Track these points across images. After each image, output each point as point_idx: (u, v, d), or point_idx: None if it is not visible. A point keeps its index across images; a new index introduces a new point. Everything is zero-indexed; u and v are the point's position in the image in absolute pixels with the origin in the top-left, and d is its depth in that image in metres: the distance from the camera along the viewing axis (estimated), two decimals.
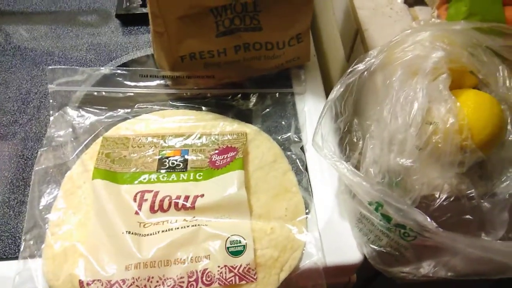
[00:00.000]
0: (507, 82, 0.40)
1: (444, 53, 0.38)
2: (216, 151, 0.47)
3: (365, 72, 0.43)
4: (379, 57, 0.40)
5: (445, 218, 0.40)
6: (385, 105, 0.40)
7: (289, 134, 0.50)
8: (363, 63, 0.40)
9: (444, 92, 0.38)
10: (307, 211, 0.44)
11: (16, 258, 0.41)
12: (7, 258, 0.41)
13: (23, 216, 0.44)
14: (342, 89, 0.41)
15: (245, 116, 0.52)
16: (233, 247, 0.40)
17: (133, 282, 0.38)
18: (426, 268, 0.38)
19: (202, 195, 0.43)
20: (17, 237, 0.43)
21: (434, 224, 0.35)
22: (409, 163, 0.38)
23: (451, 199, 0.40)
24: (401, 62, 0.40)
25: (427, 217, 0.35)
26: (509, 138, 0.40)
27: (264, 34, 0.49)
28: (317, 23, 0.74)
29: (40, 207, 0.43)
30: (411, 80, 0.39)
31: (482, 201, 0.40)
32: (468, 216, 0.41)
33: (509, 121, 0.40)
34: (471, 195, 0.40)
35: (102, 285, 0.38)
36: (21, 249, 0.41)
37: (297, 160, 0.48)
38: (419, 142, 0.38)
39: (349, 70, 0.40)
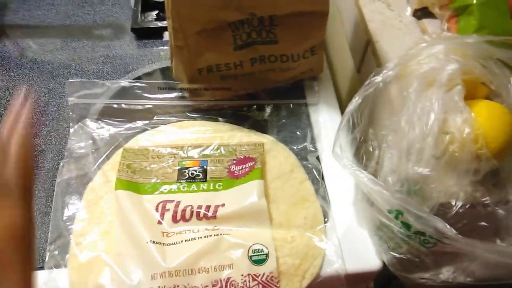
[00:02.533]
0: None
1: (458, 65, 0.39)
2: (234, 161, 0.49)
3: (380, 84, 0.45)
4: (395, 69, 0.41)
5: (461, 225, 0.41)
6: (402, 116, 0.41)
7: (305, 144, 0.51)
8: (381, 75, 0.41)
9: (460, 103, 0.39)
10: (325, 219, 0.45)
11: (42, 268, 0.41)
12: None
13: (45, 227, 0.44)
14: (360, 101, 0.42)
15: (261, 127, 0.53)
16: (255, 255, 0.41)
17: None
18: (446, 274, 0.39)
19: (223, 205, 0.44)
20: (40, 248, 0.43)
21: (454, 231, 0.36)
22: (427, 172, 0.39)
23: (467, 206, 0.41)
24: (417, 74, 0.41)
25: (447, 224, 0.37)
26: None
27: (279, 47, 0.50)
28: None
29: (64, 218, 0.44)
30: (426, 92, 0.41)
31: (496, 208, 0.41)
32: (483, 223, 0.42)
33: None
34: (486, 202, 0.41)
35: None
36: (46, 259, 0.42)
37: (314, 170, 0.49)
38: (436, 151, 0.40)
39: (367, 82, 0.42)
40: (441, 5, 0.51)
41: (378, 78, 0.41)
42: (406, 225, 0.38)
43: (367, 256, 0.42)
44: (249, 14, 0.47)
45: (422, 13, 0.58)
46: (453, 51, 0.41)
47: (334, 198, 0.47)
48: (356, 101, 0.42)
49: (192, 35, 0.47)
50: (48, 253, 0.42)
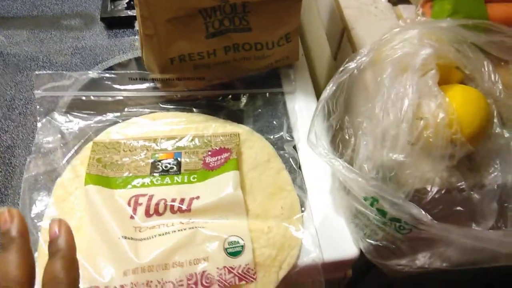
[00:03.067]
0: (492, 76, 0.42)
1: (432, 50, 0.39)
2: (209, 153, 0.47)
3: (355, 70, 0.44)
4: (369, 55, 0.41)
5: (437, 211, 0.41)
6: (376, 102, 0.40)
7: (281, 133, 0.50)
8: (354, 61, 0.41)
9: (434, 87, 0.39)
10: (302, 209, 0.44)
11: None
12: None
13: None
14: (334, 88, 0.41)
15: (236, 117, 0.52)
16: (231, 248, 0.40)
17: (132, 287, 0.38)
18: (422, 259, 0.39)
19: (198, 197, 0.43)
20: None
21: (429, 216, 0.36)
22: (402, 158, 0.39)
23: (442, 192, 0.41)
24: (391, 59, 0.40)
25: (422, 210, 0.36)
26: (495, 131, 0.42)
27: (253, 34, 0.49)
28: (301, 23, 0.75)
29: (32, 215, 0.42)
30: (401, 77, 0.40)
31: (472, 192, 0.41)
32: (459, 208, 0.42)
33: (495, 114, 0.42)
34: (461, 187, 0.41)
35: None
36: None
37: (290, 159, 0.48)
38: (410, 137, 0.39)
39: (341, 69, 0.41)
40: None
41: (352, 65, 0.41)
42: (382, 212, 0.38)
43: (344, 244, 0.42)
44: (221, 0, 0.46)
45: None
46: (427, 36, 0.41)
47: (311, 187, 0.46)
48: (330, 88, 0.41)
49: (162, 23, 0.45)
50: None
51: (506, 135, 0.42)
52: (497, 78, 0.42)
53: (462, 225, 0.40)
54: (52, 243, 0.28)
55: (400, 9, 0.57)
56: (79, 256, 0.39)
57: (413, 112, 0.39)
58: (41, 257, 0.40)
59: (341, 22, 0.56)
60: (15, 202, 0.44)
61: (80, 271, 0.38)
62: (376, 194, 0.37)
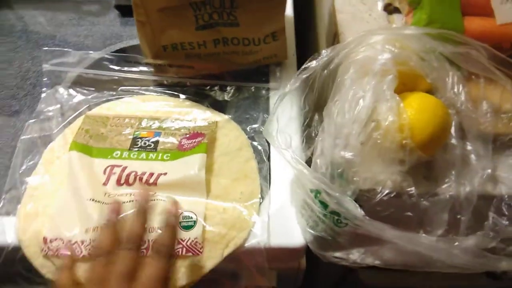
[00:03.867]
0: (455, 87, 0.42)
1: (391, 55, 0.40)
2: (186, 136, 0.51)
3: (325, 71, 0.46)
4: (332, 56, 0.43)
5: (388, 213, 0.43)
6: (334, 101, 0.42)
7: (257, 125, 0.52)
8: (316, 61, 0.43)
9: (387, 91, 0.40)
10: (261, 197, 0.47)
11: None
12: None
13: (5, 178, 0.48)
14: (297, 84, 0.44)
15: (220, 106, 0.55)
16: (184, 221, 0.44)
17: (90, 243, 0.42)
18: (356, 254, 0.40)
19: (165, 174, 0.47)
20: None
21: (362, 212, 0.37)
22: (350, 156, 0.40)
23: (392, 195, 0.42)
24: (353, 61, 0.42)
25: (357, 206, 0.38)
26: (453, 142, 0.42)
27: (241, 30, 0.52)
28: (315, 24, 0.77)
29: (21, 171, 0.48)
30: (361, 80, 0.42)
31: (422, 199, 0.42)
32: (409, 213, 0.43)
33: (453, 124, 0.42)
34: (411, 192, 0.42)
35: (63, 243, 0.42)
36: None
37: (262, 150, 0.51)
38: (362, 138, 0.41)
39: (303, 67, 0.43)
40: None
41: (314, 64, 0.43)
42: (324, 204, 0.40)
43: (292, 233, 0.44)
44: None
45: (394, 7, 0.58)
46: (391, 42, 0.42)
47: (276, 178, 0.49)
48: (291, 84, 0.43)
49: (154, 11, 0.49)
50: (1, 202, 0.46)
51: (465, 146, 0.43)
52: (460, 89, 0.42)
53: (412, 230, 0.41)
54: (167, 217, 0.40)
55: (394, 18, 0.57)
56: (52, 210, 0.44)
57: (367, 114, 0.41)
58: (21, 208, 0.46)
59: (334, 26, 0.58)
60: (10, 160, 0.50)
61: (50, 224, 0.43)
62: (318, 187, 0.39)
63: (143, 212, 0.40)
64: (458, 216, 0.42)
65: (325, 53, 0.43)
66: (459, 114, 0.43)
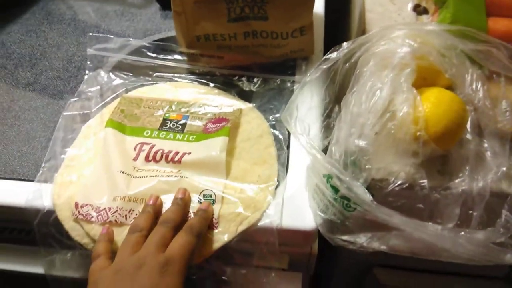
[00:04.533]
0: (474, 85, 0.43)
1: (410, 50, 0.42)
2: (212, 120, 0.54)
3: (347, 64, 0.48)
4: (354, 48, 0.44)
5: (399, 204, 0.43)
6: (352, 92, 0.44)
7: (279, 115, 0.55)
8: (336, 52, 0.44)
9: (404, 84, 0.41)
10: (278, 181, 0.49)
11: (32, 181, 0.50)
12: (29, 180, 0.51)
13: (47, 150, 0.53)
14: (317, 74, 0.46)
15: (246, 96, 0.58)
16: (204, 198, 0.47)
17: (117, 211, 0.46)
18: (363, 238, 0.41)
19: (190, 153, 0.50)
20: (39, 166, 0.52)
21: (371, 197, 0.39)
22: (364, 145, 0.42)
23: (404, 186, 0.43)
24: (373, 53, 0.44)
25: (367, 191, 0.39)
26: (468, 137, 0.43)
27: (269, 23, 0.55)
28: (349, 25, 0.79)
29: (60, 144, 0.53)
30: (380, 72, 0.43)
31: (434, 192, 0.43)
32: (420, 205, 0.44)
33: (469, 120, 0.43)
34: (423, 184, 0.43)
35: (92, 208, 0.46)
36: (39, 174, 0.50)
37: (282, 139, 0.53)
38: (377, 128, 0.42)
39: (323, 58, 0.45)
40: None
41: (334, 55, 0.45)
42: (335, 189, 0.41)
43: (304, 217, 0.46)
44: None
45: (423, 8, 0.59)
46: (412, 37, 0.43)
47: (293, 165, 0.51)
48: (312, 74, 0.45)
49: (190, 3, 0.53)
50: (41, 170, 0.51)
51: (481, 143, 0.43)
52: (479, 86, 0.43)
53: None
54: (202, 208, 0.45)
55: (423, 19, 0.58)
56: (85, 179, 0.48)
57: (383, 105, 0.42)
58: (58, 177, 0.50)
59: (363, 25, 0.59)
60: (53, 133, 0.55)
61: (83, 191, 0.47)
62: (329, 171, 0.41)
63: (182, 204, 0.45)
64: (470, 211, 0.43)
65: (346, 45, 0.45)
66: (476, 111, 0.43)
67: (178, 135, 0.53)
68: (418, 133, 0.41)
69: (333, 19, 0.76)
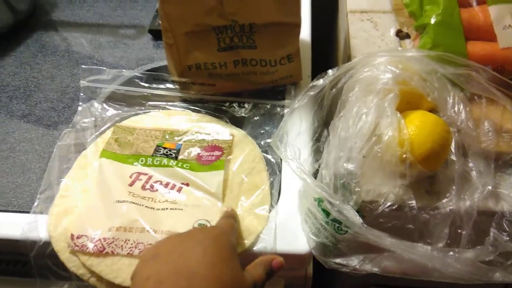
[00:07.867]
0: (456, 107, 0.44)
1: (392, 75, 0.43)
2: (205, 148, 0.55)
3: (334, 89, 0.49)
4: (339, 75, 0.46)
5: (390, 225, 0.45)
6: (339, 117, 0.45)
7: (270, 140, 0.56)
8: (322, 79, 0.46)
9: (388, 109, 0.43)
10: (271, 206, 0.50)
11: (28, 212, 0.50)
12: (24, 212, 0.51)
13: (41, 180, 0.54)
14: (305, 101, 0.47)
15: (237, 122, 0.59)
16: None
17: (113, 241, 0.46)
18: (355, 261, 0.42)
19: (187, 184, 0.51)
20: (34, 197, 0.52)
21: (360, 220, 0.40)
22: (352, 168, 0.43)
23: (394, 207, 0.44)
24: (357, 80, 0.45)
25: (357, 214, 0.40)
26: (453, 158, 0.44)
27: (258, 52, 0.57)
28: (337, 50, 0.81)
29: (55, 174, 0.53)
30: (365, 98, 0.45)
31: (422, 212, 0.44)
32: (410, 226, 0.45)
33: (453, 141, 0.44)
34: (411, 205, 0.44)
35: (88, 239, 0.47)
36: (34, 205, 0.51)
37: (274, 163, 0.54)
38: (364, 152, 0.43)
39: (310, 85, 0.47)
40: (408, 25, 0.55)
41: (320, 82, 0.46)
42: (326, 212, 0.42)
43: (298, 241, 0.47)
44: (231, 21, 0.54)
45: (405, 33, 0.61)
46: (395, 63, 0.45)
47: (285, 189, 0.52)
48: (299, 100, 0.47)
49: (180, 35, 0.55)
50: (37, 201, 0.51)
51: (466, 163, 0.44)
52: (461, 108, 0.44)
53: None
54: (228, 214, 0.47)
55: (406, 43, 0.60)
56: (81, 209, 0.49)
57: (369, 129, 0.43)
58: (53, 207, 0.51)
59: (348, 51, 0.61)
60: (47, 164, 0.56)
61: (78, 222, 0.48)
62: (320, 195, 0.42)
63: (230, 216, 0.47)
64: (459, 230, 0.44)
65: (331, 72, 0.46)
66: (460, 132, 0.45)
67: (172, 161, 0.54)
68: (404, 155, 0.43)
69: (322, 45, 0.79)
